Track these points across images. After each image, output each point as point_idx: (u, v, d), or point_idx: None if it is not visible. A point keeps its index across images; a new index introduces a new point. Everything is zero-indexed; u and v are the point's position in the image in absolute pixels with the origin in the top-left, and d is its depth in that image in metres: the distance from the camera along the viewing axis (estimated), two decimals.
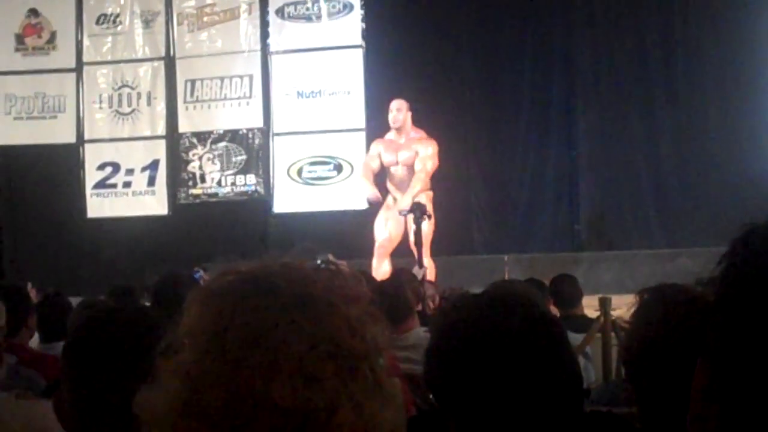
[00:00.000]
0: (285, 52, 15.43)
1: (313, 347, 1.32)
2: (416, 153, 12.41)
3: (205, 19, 15.64)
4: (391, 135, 12.81)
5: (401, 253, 12.46)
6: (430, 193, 12.50)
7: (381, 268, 12.16)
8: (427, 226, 12.21)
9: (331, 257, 11.40)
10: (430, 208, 12.21)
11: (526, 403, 2.09)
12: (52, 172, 15.77)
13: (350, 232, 13.33)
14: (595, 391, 4.13)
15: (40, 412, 2.73)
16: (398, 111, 12.64)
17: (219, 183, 15.55)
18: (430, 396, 2.33)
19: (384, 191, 12.75)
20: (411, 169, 12.43)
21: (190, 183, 15.64)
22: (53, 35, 16.17)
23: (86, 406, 2.45)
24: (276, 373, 1.30)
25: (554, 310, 7.48)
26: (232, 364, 1.30)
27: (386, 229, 12.52)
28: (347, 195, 14.21)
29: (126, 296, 7.07)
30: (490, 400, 2.09)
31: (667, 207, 14.10)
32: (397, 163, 12.53)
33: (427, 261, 12.12)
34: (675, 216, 14.06)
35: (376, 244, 12.53)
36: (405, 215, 12.10)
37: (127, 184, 15.82)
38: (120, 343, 2.44)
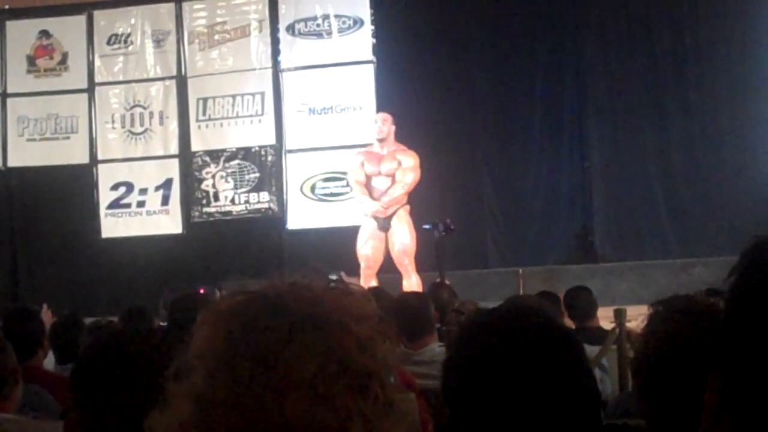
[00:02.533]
0: (296, 68, 15.46)
1: (323, 366, 1.32)
2: (399, 163, 12.36)
3: (216, 37, 15.68)
4: (373, 147, 12.77)
5: (387, 269, 12.48)
6: (408, 207, 12.44)
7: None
8: (410, 241, 12.21)
9: (343, 275, 11.41)
10: (410, 222, 12.23)
11: (542, 416, 2.08)
12: (65, 192, 15.79)
13: None
14: (611, 403, 4.12)
15: None
16: (383, 122, 12.57)
17: (232, 201, 15.56)
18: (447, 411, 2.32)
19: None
20: (393, 179, 12.38)
21: (204, 201, 15.65)
22: (65, 56, 16.22)
23: (94, 429, 2.44)
24: (287, 392, 1.30)
25: (569, 323, 7.46)
26: (243, 385, 1.30)
27: (367, 248, 12.44)
28: (361, 210, 14.20)
29: (139, 317, 7.05)
30: (507, 414, 2.08)
31: (681, 217, 14.07)
32: (379, 174, 12.41)
33: (414, 276, 12.11)
34: (689, 226, 14.02)
35: (362, 266, 12.44)
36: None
37: (140, 204, 15.84)
38: (127, 365, 2.44)
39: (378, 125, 12.59)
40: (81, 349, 6.04)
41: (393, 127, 12.57)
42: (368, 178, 12.56)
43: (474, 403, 2.13)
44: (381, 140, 12.53)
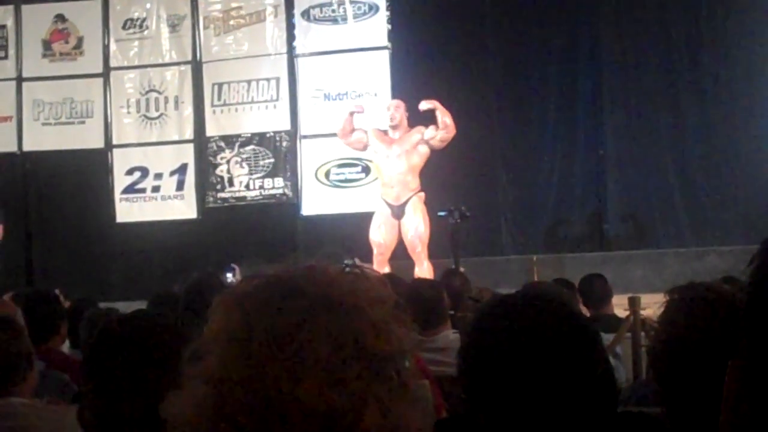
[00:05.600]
0: (311, 54, 15.44)
1: (337, 349, 1.32)
2: (421, 134, 12.33)
3: (231, 22, 15.67)
4: (387, 133, 12.73)
5: (399, 255, 12.46)
6: (422, 195, 12.40)
7: None
8: (424, 228, 12.18)
9: (357, 261, 11.41)
10: (424, 209, 12.21)
11: (559, 402, 2.08)
12: (80, 177, 15.81)
13: None
14: (625, 390, 4.11)
15: (70, 418, 2.74)
16: (396, 109, 12.58)
17: (247, 186, 15.56)
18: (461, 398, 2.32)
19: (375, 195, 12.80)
20: (402, 163, 12.30)
21: (219, 187, 15.66)
22: (80, 40, 16.22)
23: (107, 415, 2.45)
24: (301, 375, 1.30)
25: (584, 310, 7.45)
26: (258, 368, 1.30)
27: (380, 235, 12.43)
28: (376, 197, 14.18)
29: (169, 303, 7.03)
30: (523, 400, 2.08)
31: (696, 205, 14.04)
32: (387, 157, 12.44)
33: (426, 263, 12.09)
34: (703, 214, 14.00)
35: (375, 252, 12.42)
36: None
37: (155, 189, 15.84)
38: (137, 350, 2.44)
39: (390, 112, 12.57)
40: (81, 337, 6.05)
41: (406, 114, 12.56)
42: (376, 160, 12.67)
43: (490, 389, 2.13)
44: (394, 127, 12.51)
